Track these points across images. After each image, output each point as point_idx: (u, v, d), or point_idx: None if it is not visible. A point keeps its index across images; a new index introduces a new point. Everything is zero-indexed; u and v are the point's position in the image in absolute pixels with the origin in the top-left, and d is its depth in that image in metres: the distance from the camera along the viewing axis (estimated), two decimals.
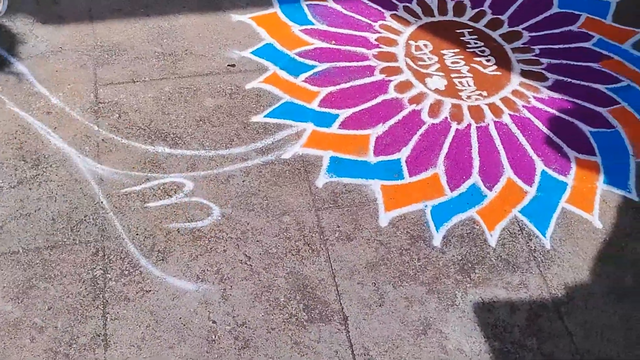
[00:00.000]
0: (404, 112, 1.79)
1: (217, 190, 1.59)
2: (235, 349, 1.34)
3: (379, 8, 2.07)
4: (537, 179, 1.68)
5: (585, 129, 1.80)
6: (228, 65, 1.86)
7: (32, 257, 1.43)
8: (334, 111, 1.77)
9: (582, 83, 1.92)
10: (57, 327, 1.35)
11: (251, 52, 1.90)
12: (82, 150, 1.63)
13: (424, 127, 1.76)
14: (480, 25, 2.05)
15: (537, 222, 1.60)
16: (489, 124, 1.78)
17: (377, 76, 1.87)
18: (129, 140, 1.66)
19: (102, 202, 1.54)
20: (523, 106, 1.84)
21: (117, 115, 1.71)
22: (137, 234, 1.49)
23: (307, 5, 2.05)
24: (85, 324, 1.35)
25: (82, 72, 1.80)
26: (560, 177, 1.69)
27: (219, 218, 1.54)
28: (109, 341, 1.33)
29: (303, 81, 1.83)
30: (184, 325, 1.37)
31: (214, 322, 1.38)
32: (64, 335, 1.33)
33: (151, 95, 1.76)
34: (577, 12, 2.12)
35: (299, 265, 1.48)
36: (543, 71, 1.94)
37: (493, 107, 1.83)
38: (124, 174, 1.60)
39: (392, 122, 1.76)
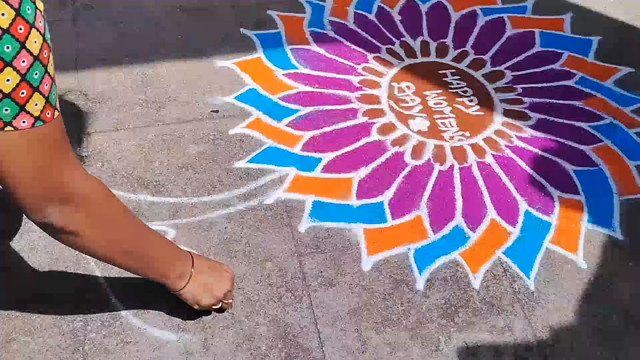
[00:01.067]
0: (387, 155, 1.80)
1: (199, 238, 1.59)
2: None
3: (362, 51, 2.09)
4: (520, 219, 1.68)
5: (569, 167, 1.81)
6: (211, 111, 1.88)
7: (11, 311, 1.42)
8: (316, 155, 1.78)
9: (565, 121, 1.93)
10: None
11: (234, 98, 1.92)
12: None
13: (407, 169, 1.76)
14: (462, 65, 2.07)
15: (521, 264, 1.59)
16: (471, 165, 1.79)
17: (360, 119, 1.89)
18: (111, 189, 1.66)
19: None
20: (506, 146, 1.85)
21: (100, 163, 1.72)
22: (119, 284, 1.49)
23: (290, 49, 2.07)
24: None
25: (66, 120, 1.80)
26: (544, 217, 1.68)
27: None
28: None
29: (286, 125, 1.85)
30: None
31: None
32: None
33: (134, 143, 1.78)
34: (559, 50, 2.15)
35: (281, 313, 1.47)
36: (526, 110, 1.95)
37: (476, 148, 1.83)
38: None
39: (375, 164, 1.77)
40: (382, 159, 1.79)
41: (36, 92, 0.86)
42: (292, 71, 2.01)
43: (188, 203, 1.65)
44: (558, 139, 1.88)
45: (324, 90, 1.96)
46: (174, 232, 1.59)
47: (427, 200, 1.70)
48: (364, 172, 1.75)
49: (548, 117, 1.93)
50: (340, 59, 2.06)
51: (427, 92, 1.98)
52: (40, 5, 0.86)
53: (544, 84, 2.03)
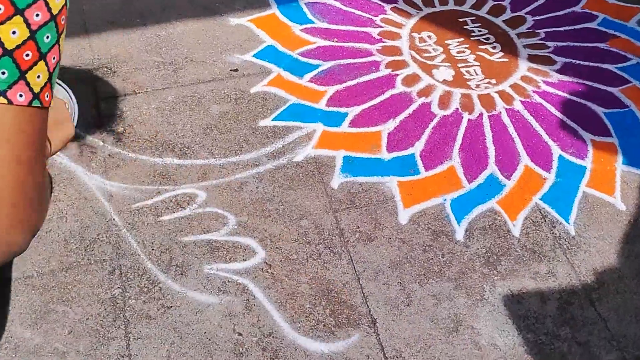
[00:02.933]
0: (414, 106, 1.75)
1: (230, 199, 1.55)
2: None
3: (379, 2, 2.03)
4: (554, 164, 1.65)
5: (599, 110, 1.77)
6: (230, 70, 1.82)
7: (48, 281, 1.39)
8: (342, 110, 1.73)
9: (591, 64, 1.89)
10: (80, 350, 1.30)
11: (253, 55, 1.86)
12: (89, 167, 1.59)
13: (436, 120, 1.72)
14: (482, 12, 2.02)
15: (559, 209, 1.56)
16: (500, 112, 1.75)
17: (383, 71, 1.84)
18: (136, 154, 1.62)
19: (114, 219, 1.49)
20: (533, 91, 1.81)
21: (122, 129, 1.67)
22: (152, 249, 1.45)
23: (305, 4, 2.01)
24: (108, 345, 1.31)
25: (81, 87, 1.75)
26: (578, 161, 1.65)
27: (235, 227, 1.50)
28: None
29: (308, 81, 1.80)
30: (210, 339, 1.33)
31: (239, 334, 1.34)
32: (87, 359, 1.29)
33: (155, 106, 1.72)
34: None
35: (322, 270, 1.45)
36: (550, 55, 1.91)
37: (503, 95, 1.79)
38: (134, 189, 1.55)
39: (402, 116, 1.73)
40: (409, 110, 1.74)
41: (42, 61, 0.67)
42: (309, 26, 1.95)
43: (216, 164, 1.61)
44: (585, 82, 1.84)
45: (343, 44, 1.90)
46: (205, 195, 1.55)
47: (458, 150, 1.66)
48: (392, 124, 1.71)
49: (574, 61, 1.89)
50: (357, 12, 2.00)
51: (448, 41, 1.93)
52: None
53: (567, 27, 1.98)
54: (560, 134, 1.71)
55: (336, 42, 1.91)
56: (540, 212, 1.56)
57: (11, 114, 0.65)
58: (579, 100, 1.79)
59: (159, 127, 1.68)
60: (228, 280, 1.41)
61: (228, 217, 1.52)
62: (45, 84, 0.68)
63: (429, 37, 1.94)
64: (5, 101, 0.65)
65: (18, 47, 0.65)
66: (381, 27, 1.96)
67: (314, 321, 1.37)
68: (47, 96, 0.68)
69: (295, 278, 1.43)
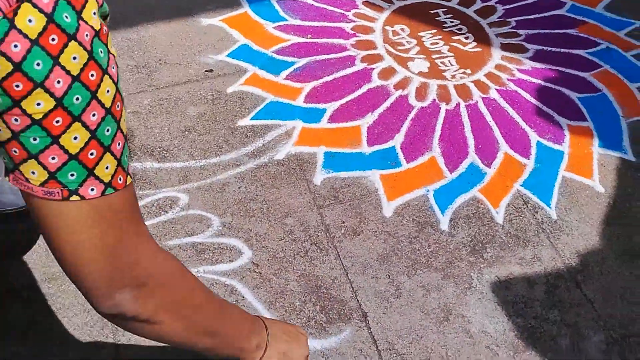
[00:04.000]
0: (391, 99, 1.76)
1: (213, 200, 1.53)
2: None
3: None
4: (533, 150, 1.67)
5: (573, 95, 1.80)
6: (205, 71, 1.80)
7: (32, 293, 1.36)
8: (320, 106, 1.73)
9: (563, 50, 1.91)
10: None
11: (227, 55, 1.85)
12: None
13: (414, 112, 1.73)
14: (453, 3, 2.03)
15: (541, 194, 1.58)
16: (477, 102, 1.76)
17: (359, 65, 1.84)
18: None
19: None
20: (508, 80, 1.83)
21: None
22: None
23: (277, 1, 2.00)
24: (97, 354, 1.28)
25: None
26: (556, 146, 1.68)
27: (220, 228, 1.49)
28: None
29: (285, 79, 1.79)
30: None
31: None
32: None
33: (130, 111, 1.70)
34: None
35: (310, 267, 1.44)
36: (523, 43, 1.93)
37: (479, 84, 1.81)
38: None
39: (380, 110, 1.73)
40: (387, 103, 1.75)
41: (107, 153, 0.70)
42: (282, 23, 1.94)
43: (196, 166, 1.59)
44: (558, 68, 1.86)
45: (317, 40, 1.90)
46: (187, 198, 1.53)
47: (438, 140, 1.67)
48: (371, 118, 1.71)
49: (545, 48, 1.92)
50: (329, 7, 2.00)
51: (422, 33, 1.94)
52: (114, 50, 0.73)
53: (537, 15, 2.01)
54: (536, 120, 1.73)
55: (310, 38, 1.90)
56: (522, 198, 1.58)
57: (86, 207, 0.70)
58: (553, 86, 1.82)
59: (136, 132, 1.65)
60: (216, 282, 1.40)
61: (212, 218, 1.50)
62: (116, 170, 0.72)
63: (402, 30, 1.94)
64: (78, 198, 0.69)
65: (81, 149, 0.68)
66: (354, 21, 1.97)
67: (304, 318, 1.36)
68: (119, 179, 0.72)
69: (283, 276, 1.42)
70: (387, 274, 1.44)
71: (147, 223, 1.48)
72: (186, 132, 1.66)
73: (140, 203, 1.51)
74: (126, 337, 1.31)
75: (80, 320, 1.33)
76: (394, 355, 1.32)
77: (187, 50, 1.86)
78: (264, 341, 1.08)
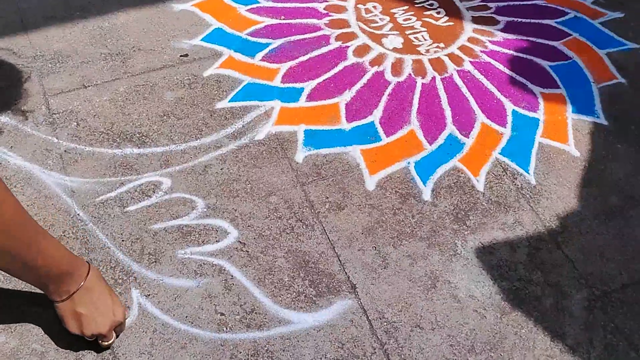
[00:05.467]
0: (368, 75, 1.77)
1: (196, 183, 1.53)
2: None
3: None
4: (509, 119, 1.69)
5: (545, 64, 1.83)
6: (180, 56, 1.79)
7: (17, 283, 1.35)
8: (298, 85, 1.74)
9: (532, 21, 1.95)
10: (59, 349, 1.27)
11: (201, 40, 1.84)
12: (46, 165, 1.54)
13: (390, 87, 1.75)
14: None
15: (519, 161, 1.61)
16: (452, 74, 1.79)
17: (334, 44, 1.85)
18: (94, 147, 1.58)
19: (78, 215, 1.46)
20: (481, 51, 1.85)
21: (75, 123, 1.62)
22: (123, 240, 1.42)
23: None
24: (87, 341, 1.28)
25: (27, 85, 1.70)
26: (531, 114, 1.71)
27: (205, 210, 1.49)
28: (117, 354, 1.27)
29: (261, 60, 1.79)
30: (192, 322, 1.32)
31: (222, 314, 1.33)
32: (68, 356, 1.26)
33: (107, 98, 1.68)
34: None
35: (296, 243, 1.45)
36: (493, 15, 1.96)
37: (453, 57, 1.83)
38: (95, 182, 1.52)
39: (358, 87, 1.74)
40: (364, 80, 1.76)
41: None
42: (254, 6, 1.94)
43: (177, 150, 1.59)
44: (529, 38, 1.89)
45: (291, 21, 1.90)
46: (170, 181, 1.53)
47: (416, 113, 1.69)
48: (348, 95, 1.72)
49: (515, 19, 1.95)
50: None
51: (394, 10, 1.95)
52: None
53: None
54: (511, 89, 1.76)
55: (284, 19, 1.91)
56: (501, 166, 1.61)
57: None
58: (525, 56, 1.85)
59: (114, 119, 1.64)
60: (203, 263, 1.40)
61: (196, 200, 1.50)
62: None
63: (375, 7, 1.96)
64: None
65: None
66: (326, 1, 1.97)
67: (294, 293, 1.37)
68: None
69: (270, 254, 1.43)
70: (373, 245, 1.45)
71: (131, 208, 1.48)
72: (164, 117, 1.65)
73: (123, 189, 1.51)
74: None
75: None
76: (385, 323, 1.33)
77: (160, 36, 1.84)
78: (73, 289, 1.18)
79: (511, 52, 1.85)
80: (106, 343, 1.25)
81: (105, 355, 1.26)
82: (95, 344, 1.25)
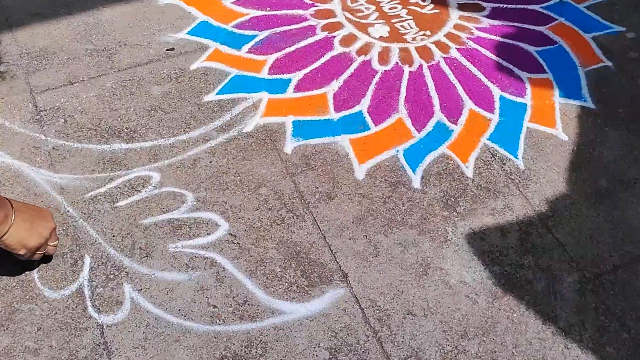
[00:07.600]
0: (355, 65, 1.77)
1: (186, 176, 1.53)
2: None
3: None
4: (497, 105, 1.70)
5: (531, 49, 1.83)
6: (167, 50, 1.79)
7: (8, 281, 1.34)
8: (285, 76, 1.73)
9: (518, 6, 1.95)
10: (52, 345, 1.27)
11: (187, 33, 1.83)
12: (34, 162, 1.53)
13: (378, 76, 1.75)
14: None
15: (507, 146, 1.62)
16: (439, 62, 1.79)
17: (320, 34, 1.84)
18: (82, 144, 1.57)
19: (68, 211, 1.45)
20: (467, 38, 1.85)
21: (63, 120, 1.62)
22: (113, 236, 1.42)
23: None
24: (81, 336, 1.28)
25: (13, 83, 1.69)
26: (519, 99, 1.71)
27: (195, 203, 1.48)
28: (111, 348, 1.27)
29: (247, 52, 1.78)
30: (185, 316, 1.32)
31: (214, 306, 1.33)
32: (61, 353, 1.26)
33: (94, 94, 1.68)
34: None
35: (287, 234, 1.45)
36: (479, 1, 1.95)
37: (439, 45, 1.83)
38: (84, 179, 1.51)
39: (345, 76, 1.74)
40: (351, 69, 1.76)
41: None
42: None
43: (166, 144, 1.58)
44: (515, 23, 1.90)
45: (277, 12, 1.90)
46: (159, 176, 1.52)
47: (404, 102, 1.69)
48: (336, 85, 1.72)
49: (501, 5, 1.95)
50: None
51: None
52: None
53: None
54: (498, 75, 1.76)
55: (269, 11, 1.90)
56: (490, 152, 1.61)
57: None
58: (511, 42, 1.85)
59: (102, 114, 1.64)
60: (195, 256, 1.40)
61: (186, 194, 1.50)
62: None
63: None
64: None
65: None
66: None
67: (286, 284, 1.37)
68: None
69: (262, 245, 1.43)
70: (364, 234, 1.46)
71: (120, 203, 1.47)
72: (152, 111, 1.65)
73: (112, 184, 1.50)
74: (109, 317, 1.30)
75: (61, 305, 1.32)
76: (377, 311, 1.34)
77: (146, 30, 1.84)
78: (10, 213, 1.23)
79: (497, 38, 1.85)
80: (56, 242, 1.35)
81: (99, 350, 1.26)
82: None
